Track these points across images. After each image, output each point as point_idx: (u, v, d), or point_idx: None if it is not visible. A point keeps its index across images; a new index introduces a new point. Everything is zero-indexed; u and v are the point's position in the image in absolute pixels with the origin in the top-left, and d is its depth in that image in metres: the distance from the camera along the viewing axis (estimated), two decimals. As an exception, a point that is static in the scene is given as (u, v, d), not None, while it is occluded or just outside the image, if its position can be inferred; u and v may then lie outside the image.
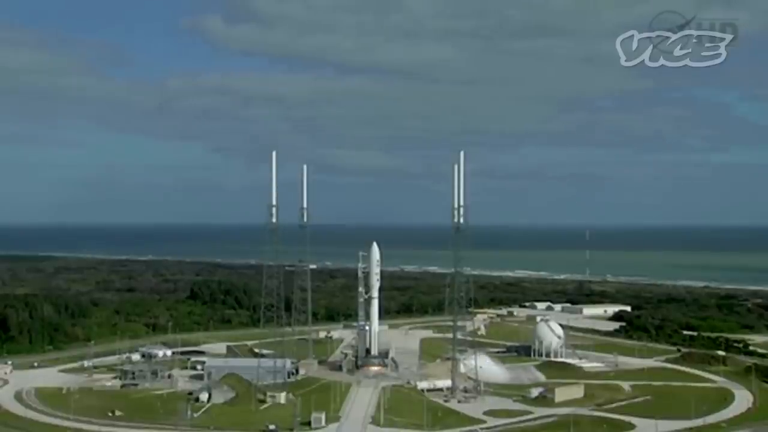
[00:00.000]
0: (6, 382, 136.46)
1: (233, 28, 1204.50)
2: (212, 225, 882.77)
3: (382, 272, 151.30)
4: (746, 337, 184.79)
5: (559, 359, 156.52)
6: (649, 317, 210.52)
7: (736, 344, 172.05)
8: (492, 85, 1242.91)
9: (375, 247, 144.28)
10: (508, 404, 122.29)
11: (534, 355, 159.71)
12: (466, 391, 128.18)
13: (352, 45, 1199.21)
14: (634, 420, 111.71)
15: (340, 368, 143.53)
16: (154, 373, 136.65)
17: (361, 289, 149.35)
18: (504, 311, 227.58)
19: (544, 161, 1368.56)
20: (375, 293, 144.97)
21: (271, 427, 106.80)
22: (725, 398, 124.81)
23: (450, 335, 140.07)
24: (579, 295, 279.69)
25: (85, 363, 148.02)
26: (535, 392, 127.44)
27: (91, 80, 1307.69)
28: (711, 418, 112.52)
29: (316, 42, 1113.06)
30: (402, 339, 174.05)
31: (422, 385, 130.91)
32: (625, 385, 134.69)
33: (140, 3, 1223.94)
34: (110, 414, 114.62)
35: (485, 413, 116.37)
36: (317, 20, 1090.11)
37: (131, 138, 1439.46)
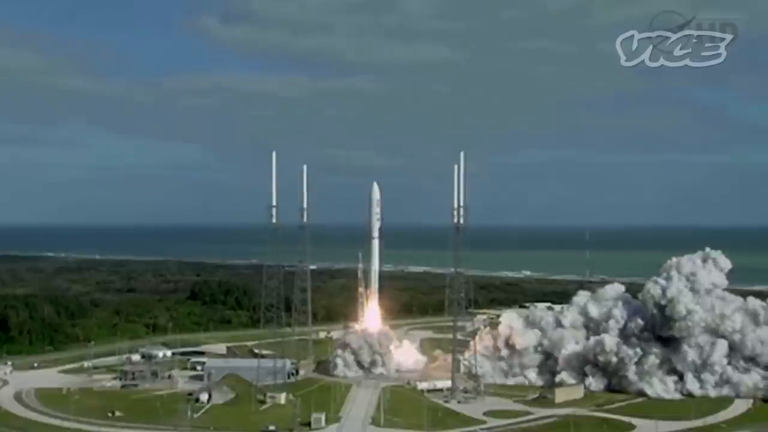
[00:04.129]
0: (6, 382, 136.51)
1: (230, 28, 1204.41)
2: (212, 225, 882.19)
3: (382, 272, 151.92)
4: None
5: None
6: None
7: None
8: (491, 85, 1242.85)
9: (375, 187, 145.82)
10: (508, 405, 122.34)
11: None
12: (466, 391, 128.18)
13: (349, 45, 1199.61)
14: (634, 420, 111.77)
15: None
16: (154, 374, 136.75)
17: (361, 289, 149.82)
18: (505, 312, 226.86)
19: (544, 161, 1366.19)
20: (375, 233, 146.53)
21: (271, 427, 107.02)
22: (725, 398, 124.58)
23: (450, 335, 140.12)
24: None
25: (85, 363, 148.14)
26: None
27: (90, 80, 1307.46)
28: (711, 419, 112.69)
29: (313, 42, 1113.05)
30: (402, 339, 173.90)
31: (422, 385, 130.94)
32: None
33: (138, 3, 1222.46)
34: (110, 414, 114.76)
35: (485, 414, 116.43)
36: (313, 21, 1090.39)
37: (131, 138, 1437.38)
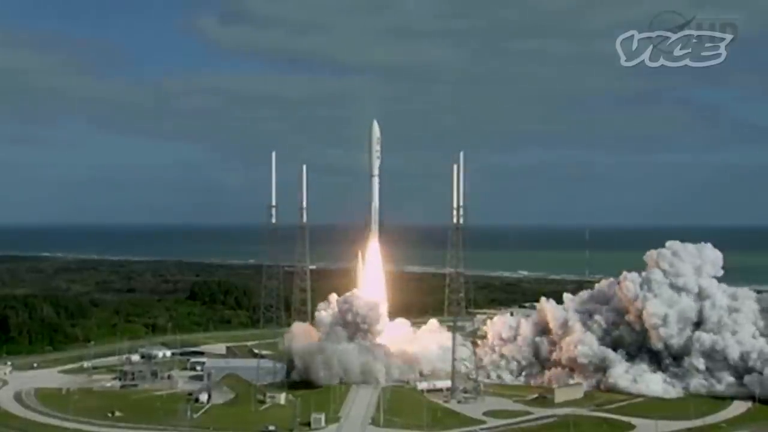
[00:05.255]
0: (5, 382, 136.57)
1: (228, 28, 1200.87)
2: (212, 225, 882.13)
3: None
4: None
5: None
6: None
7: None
8: (490, 84, 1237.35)
9: (375, 124, 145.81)
10: (508, 405, 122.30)
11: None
12: (465, 391, 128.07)
13: (348, 45, 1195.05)
14: (634, 420, 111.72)
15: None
16: (154, 374, 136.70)
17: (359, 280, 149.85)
18: (507, 312, 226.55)
19: (544, 161, 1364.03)
20: (375, 171, 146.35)
21: (271, 427, 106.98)
22: (725, 398, 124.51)
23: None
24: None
25: (85, 364, 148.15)
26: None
27: (89, 80, 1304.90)
28: (711, 418, 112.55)
29: (311, 42, 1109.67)
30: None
31: (422, 385, 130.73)
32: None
33: (138, 3, 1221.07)
34: (110, 414, 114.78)
35: (485, 414, 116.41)
36: (312, 20, 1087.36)
37: (130, 138, 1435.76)
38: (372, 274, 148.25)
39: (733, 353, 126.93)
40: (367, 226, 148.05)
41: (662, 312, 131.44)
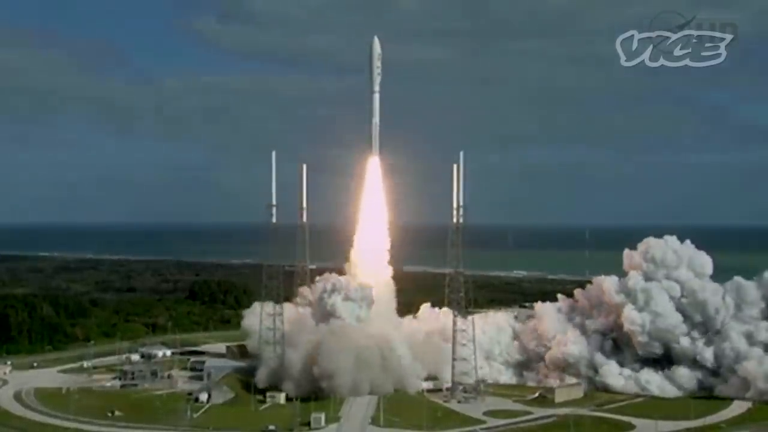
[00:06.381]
0: (5, 382, 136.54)
1: (228, 28, 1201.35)
2: (211, 225, 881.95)
3: None
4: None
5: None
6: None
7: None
8: (490, 84, 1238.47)
9: (376, 40, 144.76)
10: (508, 404, 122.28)
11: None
12: (466, 391, 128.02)
13: (347, 45, 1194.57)
14: (634, 420, 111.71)
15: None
16: (154, 374, 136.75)
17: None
18: (507, 312, 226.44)
19: (544, 161, 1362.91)
20: (376, 87, 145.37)
21: (271, 427, 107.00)
22: (725, 398, 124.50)
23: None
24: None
25: (85, 363, 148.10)
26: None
27: (89, 80, 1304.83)
28: (711, 418, 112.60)
29: (311, 42, 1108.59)
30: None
31: (422, 385, 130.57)
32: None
33: (138, 3, 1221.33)
34: (110, 414, 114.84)
35: (485, 413, 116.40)
36: (311, 20, 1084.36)
37: (131, 138, 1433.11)
38: (372, 218, 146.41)
39: (708, 357, 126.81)
40: (369, 143, 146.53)
41: (638, 318, 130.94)
